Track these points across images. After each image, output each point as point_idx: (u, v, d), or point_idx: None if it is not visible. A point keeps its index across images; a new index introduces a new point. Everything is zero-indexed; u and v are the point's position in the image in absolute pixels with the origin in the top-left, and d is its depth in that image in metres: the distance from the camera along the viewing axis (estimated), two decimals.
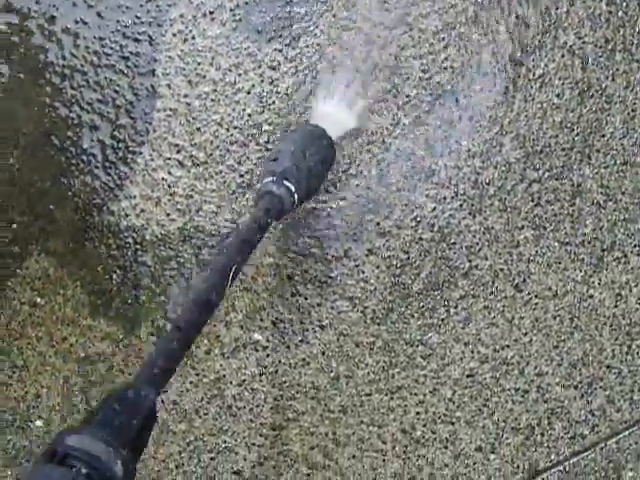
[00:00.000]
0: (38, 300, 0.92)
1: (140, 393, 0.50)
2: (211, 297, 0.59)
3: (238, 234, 0.68)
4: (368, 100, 0.88)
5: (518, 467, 0.91)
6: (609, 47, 0.88)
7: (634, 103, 0.89)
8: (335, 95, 0.88)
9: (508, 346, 0.90)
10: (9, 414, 0.93)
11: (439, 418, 0.91)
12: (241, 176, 0.89)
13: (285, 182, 0.72)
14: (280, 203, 0.71)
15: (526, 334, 0.90)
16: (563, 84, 0.88)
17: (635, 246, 0.91)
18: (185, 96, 0.89)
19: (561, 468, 0.91)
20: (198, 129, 0.89)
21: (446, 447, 0.91)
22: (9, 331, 0.92)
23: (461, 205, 0.89)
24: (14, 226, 0.91)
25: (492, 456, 0.91)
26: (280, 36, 0.88)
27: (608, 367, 0.91)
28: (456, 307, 0.90)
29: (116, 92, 0.89)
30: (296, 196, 0.72)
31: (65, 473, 0.43)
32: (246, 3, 0.88)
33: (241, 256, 0.65)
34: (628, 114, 0.89)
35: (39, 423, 0.93)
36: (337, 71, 0.89)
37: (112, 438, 0.46)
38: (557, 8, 0.88)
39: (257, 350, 0.90)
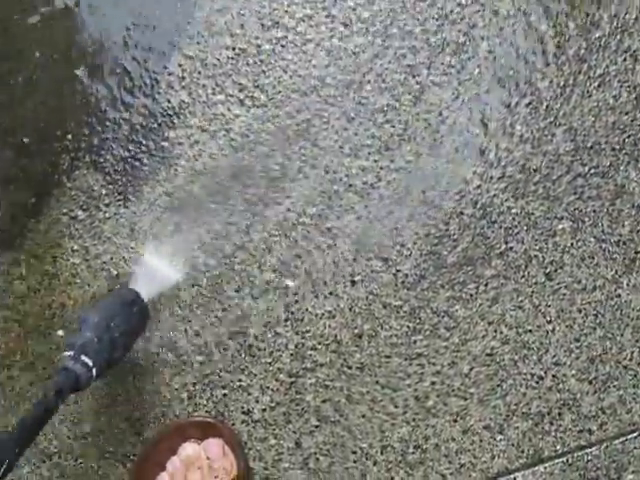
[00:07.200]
0: (79, 213, 0.92)
1: None
2: None
3: (22, 420, 0.63)
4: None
5: (523, 452, 0.92)
6: None
7: None
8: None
9: (530, 331, 0.91)
10: (33, 319, 0.93)
11: (453, 391, 0.92)
12: (297, 125, 0.91)
13: (83, 357, 0.70)
14: (75, 380, 0.69)
15: (550, 322, 0.91)
16: (621, 87, 0.91)
17: None
18: (256, 38, 0.91)
19: (565, 460, 0.91)
20: (263, 72, 0.91)
21: (455, 421, 0.92)
22: (46, 238, 0.93)
23: (506, 187, 0.91)
24: (69, 137, 0.92)
25: (499, 437, 0.92)
26: None
27: (625, 367, 0.92)
28: (486, 285, 0.91)
29: (189, 24, 0.91)
30: (94, 371, 0.71)
31: None
32: None
33: (20, 445, 0.60)
34: None
35: (60, 333, 0.93)
36: None
37: None
38: (626, 14, 0.90)
39: (287, 295, 0.91)
